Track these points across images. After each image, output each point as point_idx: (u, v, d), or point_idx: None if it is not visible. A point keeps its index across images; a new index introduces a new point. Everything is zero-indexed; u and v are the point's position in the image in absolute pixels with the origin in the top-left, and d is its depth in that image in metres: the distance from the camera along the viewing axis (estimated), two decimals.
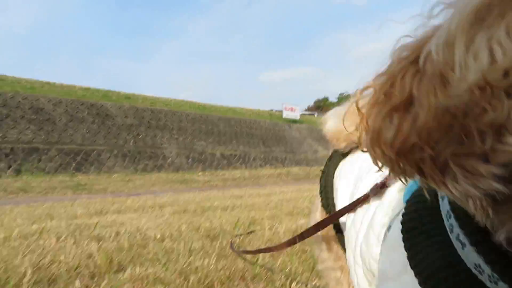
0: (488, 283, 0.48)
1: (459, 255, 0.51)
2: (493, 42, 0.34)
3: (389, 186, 0.79)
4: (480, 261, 0.48)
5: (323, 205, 1.13)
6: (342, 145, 1.17)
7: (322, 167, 1.22)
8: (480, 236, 0.47)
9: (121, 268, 2.55)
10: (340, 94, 68.94)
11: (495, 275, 0.46)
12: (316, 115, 52.71)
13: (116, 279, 2.24)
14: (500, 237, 0.43)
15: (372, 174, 0.86)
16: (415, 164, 0.41)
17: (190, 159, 25.22)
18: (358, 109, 0.50)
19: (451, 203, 0.51)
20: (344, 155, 1.16)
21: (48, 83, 26.40)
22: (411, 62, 0.42)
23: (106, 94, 27.96)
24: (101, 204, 7.83)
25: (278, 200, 7.71)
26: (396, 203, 0.70)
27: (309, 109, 66.35)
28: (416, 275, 0.56)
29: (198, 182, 20.33)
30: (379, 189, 0.81)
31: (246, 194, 10.22)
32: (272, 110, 43.80)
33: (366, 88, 0.49)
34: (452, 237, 0.52)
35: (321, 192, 1.14)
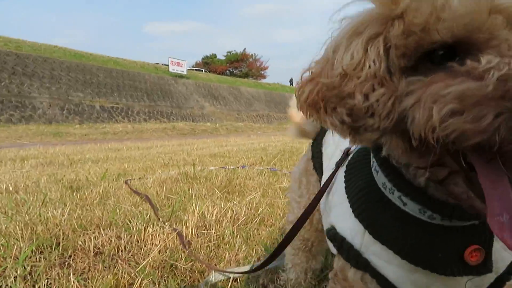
0: (389, 196, 0.76)
1: (375, 180, 0.80)
2: (352, 47, 0.63)
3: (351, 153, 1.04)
4: (385, 179, 0.76)
5: (314, 168, 1.33)
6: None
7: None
8: (384, 163, 0.75)
9: None
10: (228, 52, 68.97)
11: (393, 187, 0.74)
12: (204, 71, 52.14)
13: None
14: (385, 153, 0.71)
15: (344, 144, 1.11)
16: (316, 110, 0.68)
17: (65, 111, 23.22)
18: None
19: (373, 148, 0.80)
20: None
21: None
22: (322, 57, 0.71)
23: None
24: None
25: (156, 153, 7.57)
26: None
27: (196, 65, 65.20)
28: (348, 198, 0.85)
29: (75, 135, 18.91)
30: (345, 157, 1.04)
31: (124, 148, 9.83)
32: (158, 64, 42.08)
33: (305, 71, 0.74)
34: (373, 170, 0.81)
35: (312, 157, 1.35)
